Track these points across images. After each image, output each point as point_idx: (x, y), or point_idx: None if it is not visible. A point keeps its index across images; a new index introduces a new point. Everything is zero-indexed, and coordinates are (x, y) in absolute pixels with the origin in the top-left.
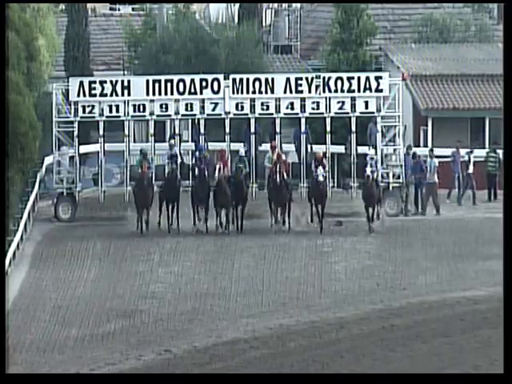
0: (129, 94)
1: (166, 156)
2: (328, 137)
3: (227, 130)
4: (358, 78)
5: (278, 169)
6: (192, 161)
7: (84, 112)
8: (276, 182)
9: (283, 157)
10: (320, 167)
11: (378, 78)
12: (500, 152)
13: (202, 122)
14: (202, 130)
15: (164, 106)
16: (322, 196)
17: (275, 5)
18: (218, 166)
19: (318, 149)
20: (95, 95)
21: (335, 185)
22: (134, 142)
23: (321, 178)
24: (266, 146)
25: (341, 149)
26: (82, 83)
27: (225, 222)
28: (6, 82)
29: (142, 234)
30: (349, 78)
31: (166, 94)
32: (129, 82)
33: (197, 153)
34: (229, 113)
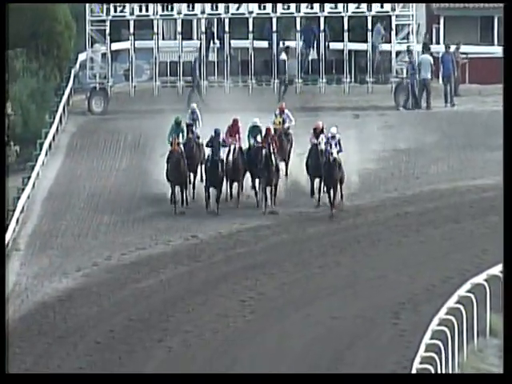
0: None
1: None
2: (346, 35)
3: (250, 28)
4: None
5: (269, 151)
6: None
7: (115, 11)
8: (268, 163)
9: (272, 131)
10: (322, 135)
11: None
12: None
13: (226, 21)
14: (227, 29)
15: (191, 6)
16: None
17: None
18: (232, 146)
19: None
20: None
21: (352, 80)
22: (163, 39)
23: (322, 146)
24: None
25: (358, 46)
26: None
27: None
28: (5, 81)
29: (176, 214)
30: None
31: None
32: None
33: (213, 134)
34: (252, 12)
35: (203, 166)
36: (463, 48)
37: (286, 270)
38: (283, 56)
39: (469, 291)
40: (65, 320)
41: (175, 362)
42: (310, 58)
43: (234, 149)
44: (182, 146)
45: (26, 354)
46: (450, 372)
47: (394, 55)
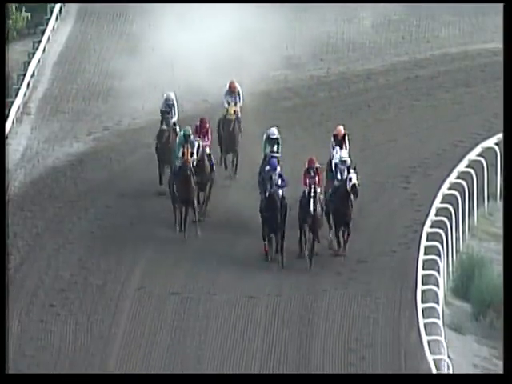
0: None
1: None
2: None
3: None
4: None
5: (311, 190)
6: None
7: None
8: (310, 211)
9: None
10: (337, 148)
11: None
12: None
13: None
14: None
15: None
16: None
17: None
18: (196, 144)
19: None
20: None
21: None
22: None
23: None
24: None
25: None
26: None
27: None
28: (5, 81)
29: (183, 236)
30: None
31: None
32: None
33: (268, 167)
34: None
35: (259, 206)
36: None
37: (296, 134)
38: None
39: (479, 155)
40: (76, 184)
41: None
42: None
43: (198, 147)
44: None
45: (38, 218)
46: (461, 237)
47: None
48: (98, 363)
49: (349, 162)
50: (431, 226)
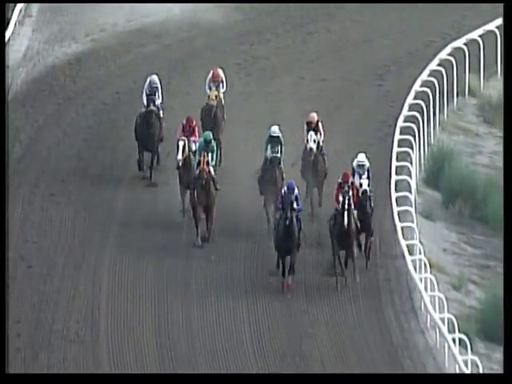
0: None
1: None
2: None
3: None
4: None
5: (347, 207)
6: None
7: None
8: (344, 227)
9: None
10: (311, 133)
11: None
12: None
13: None
14: None
15: None
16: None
17: None
18: (181, 143)
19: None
20: None
21: None
22: None
23: (312, 145)
24: None
25: None
26: None
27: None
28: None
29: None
30: None
31: None
32: None
33: (284, 190)
34: None
35: (274, 231)
36: None
37: (279, 35)
38: None
39: (449, 54)
40: (74, 82)
41: None
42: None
43: (184, 147)
44: (211, 167)
45: (38, 113)
46: (432, 131)
47: None
48: (96, 249)
49: (367, 165)
50: (404, 121)
